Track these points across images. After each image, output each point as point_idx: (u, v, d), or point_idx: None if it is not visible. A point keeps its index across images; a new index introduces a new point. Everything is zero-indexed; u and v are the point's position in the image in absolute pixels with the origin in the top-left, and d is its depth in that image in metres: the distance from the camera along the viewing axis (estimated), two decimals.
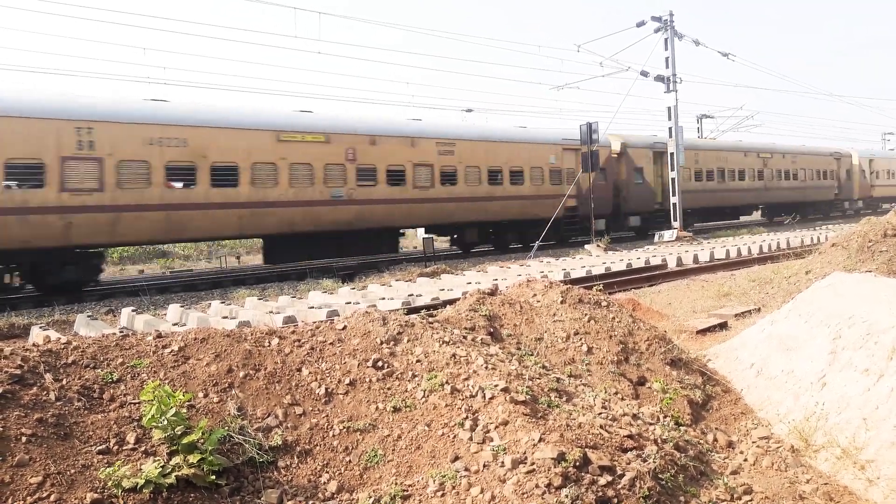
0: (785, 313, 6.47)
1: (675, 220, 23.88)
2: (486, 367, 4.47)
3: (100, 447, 3.49)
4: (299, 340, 4.73)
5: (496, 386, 4.16)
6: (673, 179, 23.94)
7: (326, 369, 4.47)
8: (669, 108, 23.62)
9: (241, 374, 4.27)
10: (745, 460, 4.53)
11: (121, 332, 6.38)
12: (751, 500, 3.98)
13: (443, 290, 11.90)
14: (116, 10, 28.12)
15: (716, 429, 5.06)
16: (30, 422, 3.47)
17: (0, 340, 7.93)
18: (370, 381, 4.38)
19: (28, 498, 3.08)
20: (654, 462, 3.81)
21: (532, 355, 5.46)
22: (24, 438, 3.35)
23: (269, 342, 4.66)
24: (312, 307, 10.31)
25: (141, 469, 3.26)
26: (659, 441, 4.19)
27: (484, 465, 3.57)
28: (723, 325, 8.45)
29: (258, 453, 3.67)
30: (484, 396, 4.11)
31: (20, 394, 3.65)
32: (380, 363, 4.53)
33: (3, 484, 3.10)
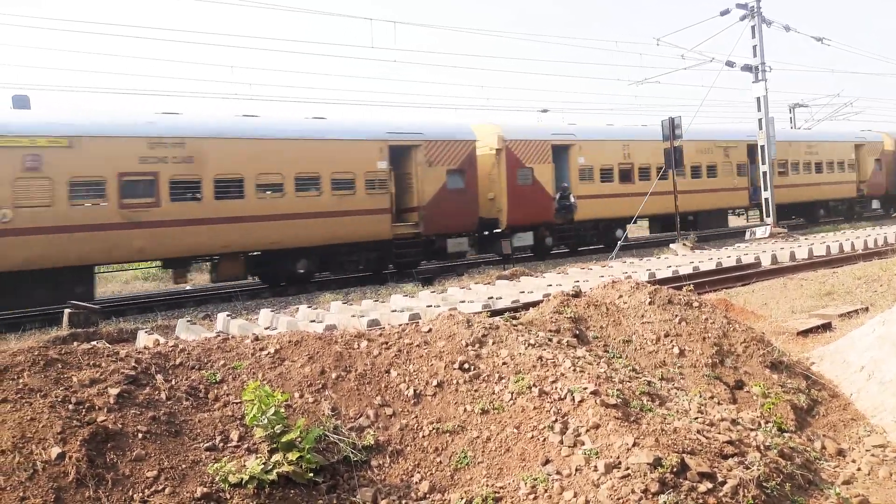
0: None
1: (769, 215, 22.62)
2: (574, 370, 4.40)
3: (207, 444, 3.69)
4: (387, 343, 4.82)
5: (585, 389, 4.09)
6: (764, 173, 22.70)
7: (414, 371, 4.54)
8: (759, 99, 22.39)
9: (334, 375, 4.41)
10: (859, 469, 4.23)
11: (218, 335, 6.72)
12: None
13: (522, 292, 11.80)
14: (206, 32, 29.91)
15: (823, 436, 4.75)
16: (145, 419, 3.72)
17: (110, 344, 8.55)
18: (457, 382, 4.41)
19: (146, 490, 3.30)
20: (758, 469, 3.62)
21: (620, 358, 5.33)
22: (140, 435, 3.60)
23: (359, 344, 4.78)
24: (395, 310, 10.49)
25: (245, 465, 3.42)
26: (762, 447, 3.98)
27: (576, 469, 3.51)
28: (826, 326, 7.93)
29: (352, 452, 3.77)
30: (573, 399, 4.04)
31: (135, 393, 3.93)
32: (466, 365, 4.54)
33: (124, 477, 3.34)
